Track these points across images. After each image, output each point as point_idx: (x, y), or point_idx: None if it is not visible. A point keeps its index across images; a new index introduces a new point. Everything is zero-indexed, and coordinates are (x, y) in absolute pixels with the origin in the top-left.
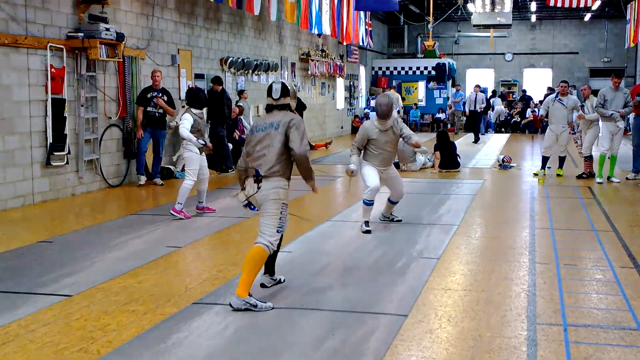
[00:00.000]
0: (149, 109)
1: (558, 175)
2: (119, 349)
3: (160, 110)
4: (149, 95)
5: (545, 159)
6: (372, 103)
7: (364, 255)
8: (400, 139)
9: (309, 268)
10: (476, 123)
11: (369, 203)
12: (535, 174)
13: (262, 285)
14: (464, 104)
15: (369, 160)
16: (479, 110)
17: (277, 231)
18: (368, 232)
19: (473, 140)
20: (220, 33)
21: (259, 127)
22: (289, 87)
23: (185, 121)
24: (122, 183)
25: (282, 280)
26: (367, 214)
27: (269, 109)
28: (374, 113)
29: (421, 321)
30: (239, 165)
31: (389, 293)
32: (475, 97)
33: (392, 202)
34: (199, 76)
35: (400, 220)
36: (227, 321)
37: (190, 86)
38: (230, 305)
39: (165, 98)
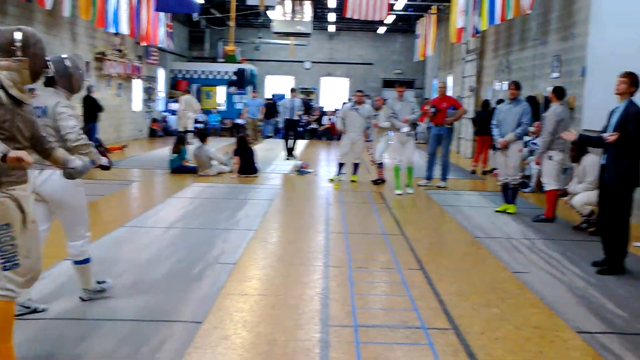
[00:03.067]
0: None
1: (352, 181)
2: None
3: None
4: None
5: (340, 165)
6: (171, 106)
7: (159, 261)
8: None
9: (100, 276)
10: (293, 133)
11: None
12: (331, 180)
13: None
14: (268, 110)
15: None
16: (296, 119)
17: (5, 268)
18: None
19: (286, 155)
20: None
21: None
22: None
23: None
24: None
25: None
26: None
27: None
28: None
29: (216, 327)
30: None
31: (184, 300)
32: (293, 104)
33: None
34: None
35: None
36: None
37: None
38: None
39: None
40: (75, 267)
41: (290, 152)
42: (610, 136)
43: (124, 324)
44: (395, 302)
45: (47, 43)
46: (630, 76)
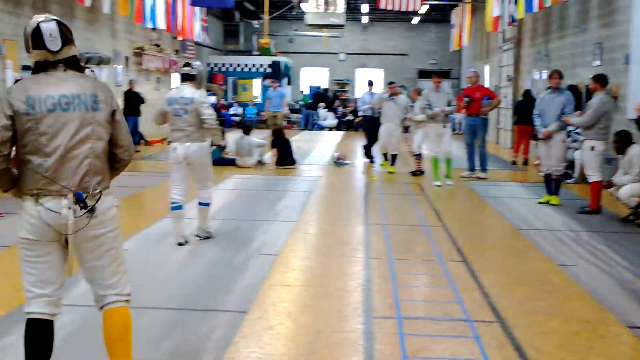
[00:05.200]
0: None
1: (390, 172)
2: None
3: None
4: None
5: (382, 156)
6: (209, 99)
7: (202, 252)
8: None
9: (145, 266)
10: (371, 133)
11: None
12: (383, 166)
13: None
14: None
15: None
16: (376, 116)
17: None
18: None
19: (365, 158)
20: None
21: (42, 100)
22: (70, 29)
23: None
24: None
25: None
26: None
27: (43, 67)
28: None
29: (261, 317)
30: None
31: (228, 290)
32: (372, 99)
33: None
34: (26, 68)
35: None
36: (59, 322)
37: (18, 78)
38: None
39: None
40: (200, 207)
41: (368, 153)
42: None
43: (170, 313)
44: (438, 294)
45: (87, 39)
46: None
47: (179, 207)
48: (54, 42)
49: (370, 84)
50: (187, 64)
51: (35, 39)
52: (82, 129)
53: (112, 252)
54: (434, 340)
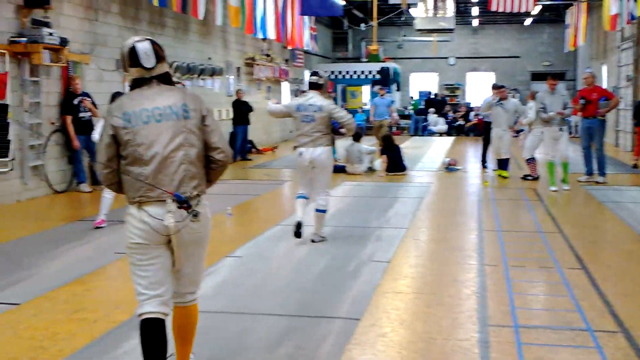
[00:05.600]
0: (80, 115)
1: (503, 177)
2: (69, 358)
3: (90, 114)
4: (75, 102)
5: (498, 161)
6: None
7: (314, 258)
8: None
9: (259, 272)
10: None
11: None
12: (499, 174)
13: None
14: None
15: None
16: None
17: None
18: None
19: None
20: (165, 37)
21: (137, 114)
22: (162, 47)
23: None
24: (69, 189)
25: None
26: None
27: (139, 83)
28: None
29: (374, 325)
30: (106, 180)
31: (341, 297)
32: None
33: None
34: None
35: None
36: None
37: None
38: None
39: (91, 100)
40: (317, 214)
41: (483, 160)
42: None
43: (284, 319)
44: (556, 303)
45: (201, 51)
46: None
47: (304, 197)
48: (148, 59)
49: (494, 87)
50: (314, 73)
51: (132, 58)
52: (175, 138)
53: (204, 252)
54: (553, 349)
